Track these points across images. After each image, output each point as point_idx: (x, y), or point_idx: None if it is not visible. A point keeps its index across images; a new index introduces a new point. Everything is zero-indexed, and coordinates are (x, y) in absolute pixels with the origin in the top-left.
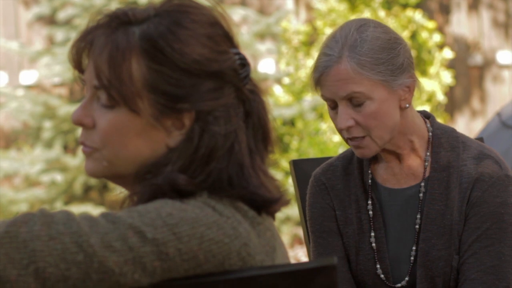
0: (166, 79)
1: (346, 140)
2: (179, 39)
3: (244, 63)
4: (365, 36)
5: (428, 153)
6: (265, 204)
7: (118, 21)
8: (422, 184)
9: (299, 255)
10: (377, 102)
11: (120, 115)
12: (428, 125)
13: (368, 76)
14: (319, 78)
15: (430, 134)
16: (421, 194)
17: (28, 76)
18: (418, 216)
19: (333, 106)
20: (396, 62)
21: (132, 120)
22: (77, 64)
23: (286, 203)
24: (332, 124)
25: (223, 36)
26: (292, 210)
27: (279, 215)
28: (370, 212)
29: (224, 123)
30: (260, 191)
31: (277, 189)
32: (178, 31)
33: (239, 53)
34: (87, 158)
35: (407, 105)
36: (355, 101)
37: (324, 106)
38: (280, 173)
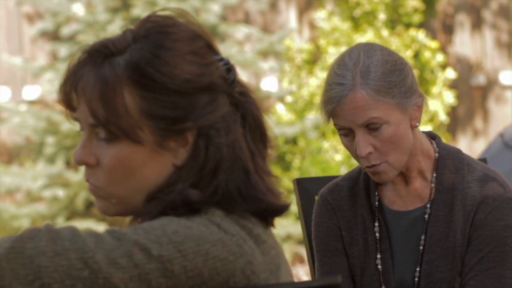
0: (161, 104)
1: (365, 168)
2: (165, 62)
3: (229, 68)
4: (375, 61)
5: (434, 175)
6: (273, 214)
7: (101, 56)
8: (428, 205)
9: (300, 273)
10: (394, 125)
11: (123, 148)
12: (434, 145)
13: (385, 100)
14: (335, 108)
15: (437, 155)
16: (426, 216)
17: (31, 92)
18: (423, 237)
19: (347, 134)
20: (406, 82)
21: (135, 151)
22: (68, 105)
23: (287, 207)
24: (334, 143)
25: (205, 47)
26: (294, 228)
27: (280, 233)
28: (377, 234)
29: (226, 134)
30: (267, 197)
31: (278, 191)
32: (162, 54)
33: (222, 59)
34: (95, 197)
35: (417, 124)
36: (372, 127)
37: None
38: (282, 191)
